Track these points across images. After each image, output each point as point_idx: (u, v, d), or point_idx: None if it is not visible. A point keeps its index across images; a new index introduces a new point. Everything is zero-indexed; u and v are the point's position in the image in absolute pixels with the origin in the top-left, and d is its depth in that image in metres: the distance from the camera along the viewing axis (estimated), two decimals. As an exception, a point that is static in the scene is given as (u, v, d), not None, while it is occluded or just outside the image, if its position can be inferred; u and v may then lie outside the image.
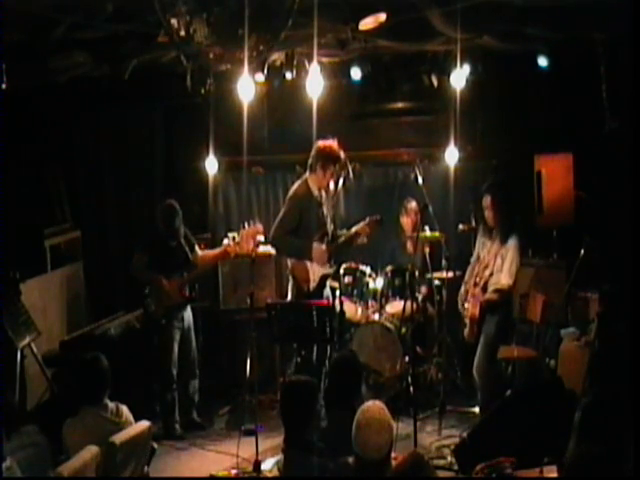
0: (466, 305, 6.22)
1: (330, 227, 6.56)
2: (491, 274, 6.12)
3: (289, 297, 6.62)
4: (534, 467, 4.15)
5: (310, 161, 6.42)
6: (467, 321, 6.18)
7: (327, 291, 6.58)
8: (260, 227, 6.48)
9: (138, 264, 6.57)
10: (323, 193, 6.50)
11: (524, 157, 7.22)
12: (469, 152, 7.48)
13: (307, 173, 6.48)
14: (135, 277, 6.64)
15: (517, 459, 4.18)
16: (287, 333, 5.98)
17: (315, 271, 6.41)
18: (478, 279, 6.19)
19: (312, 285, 6.38)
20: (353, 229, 6.62)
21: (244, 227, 6.40)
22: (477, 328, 6.14)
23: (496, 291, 6.06)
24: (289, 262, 6.54)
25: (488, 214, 6.15)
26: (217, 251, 6.74)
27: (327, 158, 6.33)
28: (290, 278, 6.57)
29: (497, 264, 6.10)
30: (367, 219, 6.57)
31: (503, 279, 6.04)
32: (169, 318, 6.54)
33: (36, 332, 6.38)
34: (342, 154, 6.36)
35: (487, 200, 6.13)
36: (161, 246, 6.56)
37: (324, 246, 6.41)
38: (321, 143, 6.35)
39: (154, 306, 6.55)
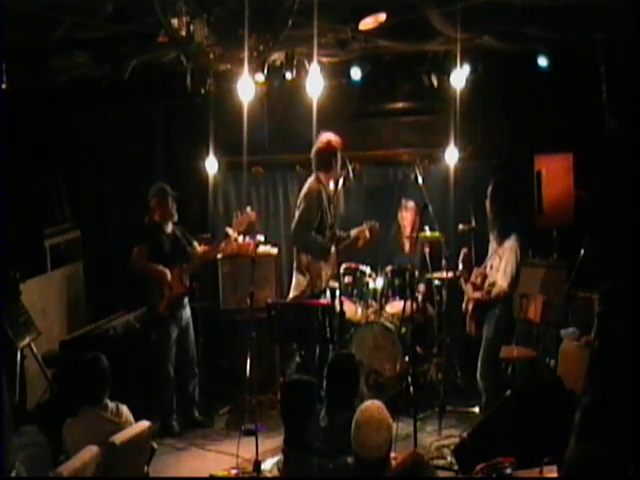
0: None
1: (336, 227, 6.60)
2: (491, 269, 6.16)
3: (293, 293, 6.68)
4: (534, 467, 4.15)
5: (320, 158, 6.49)
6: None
7: (327, 293, 6.59)
8: (253, 214, 6.57)
9: (138, 257, 6.57)
10: (329, 191, 6.55)
11: (524, 157, 7.22)
12: (469, 152, 7.46)
13: (316, 171, 6.52)
14: (136, 271, 6.64)
15: (517, 459, 4.19)
16: (287, 333, 5.98)
17: (327, 272, 6.54)
18: (474, 277, 6.24)
19: (324, 284, 6.50)
20: (353, 232, 6.67)
21: (237, 216, 6.54)
22: (475, 324, 6.19)
23: (489, 291, 6.11)
24: (305, 258, 6.57)
25: (488, 214, 6.21)
26: (215, 245, 6.81)
27: (335, 152, 6.47)
28: (298, 274, 6.61)
29: (495, 263, 6.13)
30: (366, 224, 6.71)
31: (499, 280, 6.06)
32: (167, 315, 6.56)
33: (36, 332, 6.38)
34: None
35: (487, 200, 6.18)
36: (158, 235, 6.61)
37: (334, 250, 6.47)
38: (328, 139, 6.44)
39: (159, 300, 6.54)
